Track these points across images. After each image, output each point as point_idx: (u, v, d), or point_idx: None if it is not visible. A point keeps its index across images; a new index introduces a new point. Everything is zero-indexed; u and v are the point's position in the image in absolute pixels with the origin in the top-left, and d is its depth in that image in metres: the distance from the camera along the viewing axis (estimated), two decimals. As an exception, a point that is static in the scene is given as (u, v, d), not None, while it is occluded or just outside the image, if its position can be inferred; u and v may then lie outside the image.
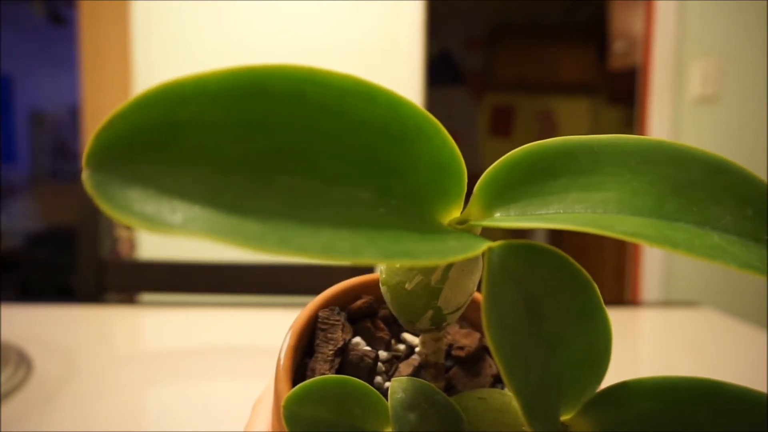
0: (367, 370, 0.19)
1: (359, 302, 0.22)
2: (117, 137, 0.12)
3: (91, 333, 0.66)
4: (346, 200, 0.13)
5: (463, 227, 0.16)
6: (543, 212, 0.16)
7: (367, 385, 0.17)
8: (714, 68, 1.83)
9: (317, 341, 0.20)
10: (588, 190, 0.16)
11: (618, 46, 2.72)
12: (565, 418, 0.16)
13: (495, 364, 0.22)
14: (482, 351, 0.22)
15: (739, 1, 1.83)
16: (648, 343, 0.72)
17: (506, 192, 0.16)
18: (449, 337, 0.22)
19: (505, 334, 0.12)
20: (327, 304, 0.21)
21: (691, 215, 0.15)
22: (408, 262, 0.11)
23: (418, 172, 0.15)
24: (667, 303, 1.11)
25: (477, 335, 0.22)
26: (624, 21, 2.65)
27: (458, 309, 0.18)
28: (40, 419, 0.43)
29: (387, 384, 0.20)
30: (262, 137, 0.13)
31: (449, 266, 0.17)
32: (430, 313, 0.18)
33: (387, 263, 0.12)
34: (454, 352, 0.22)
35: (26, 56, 3.42)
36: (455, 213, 0.16)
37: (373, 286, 0.22)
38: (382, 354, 0.21)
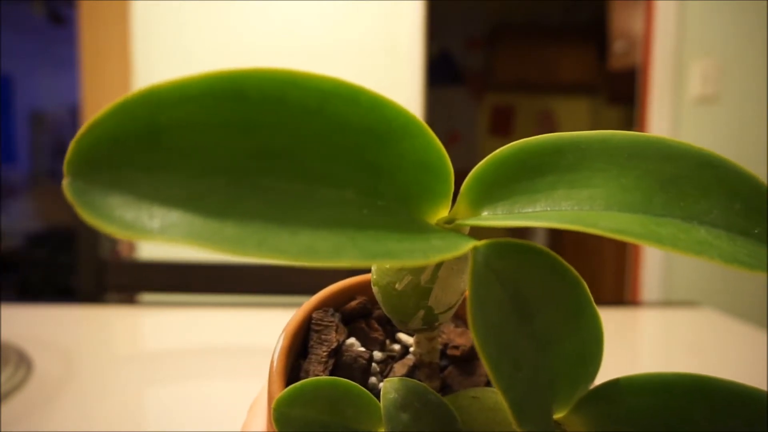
0: (361, 371, 0.19)
1: (353, 303, 0.22)
2: (96, 144, 0.12)
3: (91, 333, 0.66)
4: (330, 202, 0.13)
5: (450, 226, 0.16)
6: (530, 210, 0.16)
7: (359, 386, 0.17)
8: (714, 68, 1.83)
9: (311, 343, 0.20)
10: (575, 186, 0.16)
11: (618, 46, 2.72)
12: (558, 415, 0.16)
13: None
14: None
15: (739, 1, 1.83)
16: (648, 343, 0.72)
17: (493, 190, 0.16)
18: (444, 336, 0.22)
19: (491, 333, 0.12)
20: (321, 305, 0.21)
21: (678, 210, 0.15)
22: (390, 263, 0.11)
23: (403, 172, 0.15)
24: (667, 303, 1.11)
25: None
26: (624, 21, 2.65)
27: (450, 308, 0.18)
28: (40, 419, 0.43)
29: (382, 384, 0.20)
30: (243, 140, 0.13)
31: (439, 266, 0.17)
32: (421, 313, 0.18)
33: (369, 264, 0.12)
34: (449, 352, 0.22)
35: (26, 56, 3.42)
36: (443, 212, 0.16)
37: (368, 286, 0.22)
38: (377, 354, 0.21)
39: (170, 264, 0.84)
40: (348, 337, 0.21)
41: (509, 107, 3.67)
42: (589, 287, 0.16)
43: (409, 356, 0.21)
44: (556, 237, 2.99)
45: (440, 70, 3.56)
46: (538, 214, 0.15)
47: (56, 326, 0.66)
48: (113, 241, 0.89)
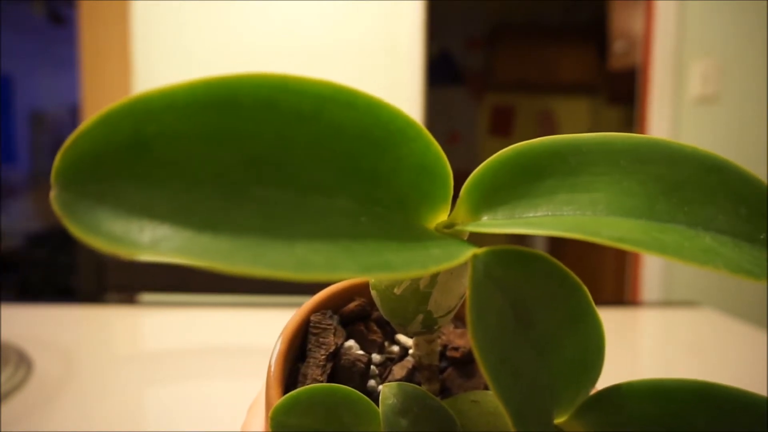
0: (359, 374, 0.19)
1: (352, 305, 0.21)
2: (83, 155, 0.11)
3: (91, 333, 0.66)
4: (326, 211, 0.13)
5: (449, 231, 0.16)
6: (531, 215, 0.15)
7: (357, 392, 0.17)
8: (714, 68, 1.83)
9: (309, 346, 0.20)
10: (576, 191, 0.15)
11: (618, 46, 2.71)
12: (559, 421, 0.16)
13: None
14: None
15: (739, 1, 1.83)
16: (648, 344, 0.72)
17: (493, 194, 0.16)
18: (444, 337, 0.22)
19: (490, 343, 0.12)
20: (319, 308, 0.21)
21: (682, 215, 0.15)
22: (388, 276, 0.11)
23: (401, 176, 0.15)
24: (667, 303, 1.11)
25: None
26: (624, 21, 2.65)
27: (449, 312, 0.18)
28: (40, 419, 0.43)
29: (381, 387, 0.20)
30: (235, 149, 0.12)
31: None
32: (420, 317, 0.18)
33: (366, 277, 0.11)
34: (449, 353, 0.22)
35: (26, 56, 3.42)
36: (442, 216, 0.16)
37: (366, 288, 0.22)
38: (376, 357, 0.21)
39: (170, 264, 0.84)
40: (346, 339, 0.21)
41: (509, 107, 3.66)
42: (589, 287, 0.15)
43: (408, 358, 0.21)
44: (557, 238, 2.98)
45: (440, 70, 3.56)
46: (539, 219, 0.15)
47: (56, 326, 0.66)
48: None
